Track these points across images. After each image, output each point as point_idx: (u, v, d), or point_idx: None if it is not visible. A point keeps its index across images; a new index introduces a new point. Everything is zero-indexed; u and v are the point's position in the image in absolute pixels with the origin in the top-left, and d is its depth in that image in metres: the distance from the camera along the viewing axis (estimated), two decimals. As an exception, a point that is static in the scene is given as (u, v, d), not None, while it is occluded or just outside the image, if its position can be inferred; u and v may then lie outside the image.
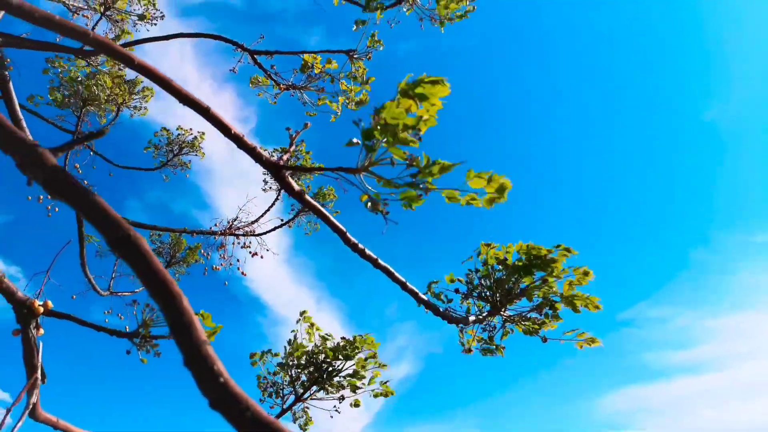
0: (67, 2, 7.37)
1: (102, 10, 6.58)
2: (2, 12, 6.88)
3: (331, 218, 3.00)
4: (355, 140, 2.34)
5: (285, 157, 2.69)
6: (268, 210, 8.50)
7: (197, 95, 2.85)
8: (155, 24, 6.33)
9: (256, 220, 8.30)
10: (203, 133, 9.41)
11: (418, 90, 2.07)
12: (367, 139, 2.26)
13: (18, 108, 5.29)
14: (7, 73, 5.61)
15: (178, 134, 9.27)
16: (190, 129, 9.32)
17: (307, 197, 2.79)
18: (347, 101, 6.03)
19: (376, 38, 5.47)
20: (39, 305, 2.69)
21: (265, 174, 9.57)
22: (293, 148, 2.80)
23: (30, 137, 1.30)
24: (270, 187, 9.58)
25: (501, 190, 2.29)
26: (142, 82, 7.47)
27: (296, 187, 2.71)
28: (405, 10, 5.34)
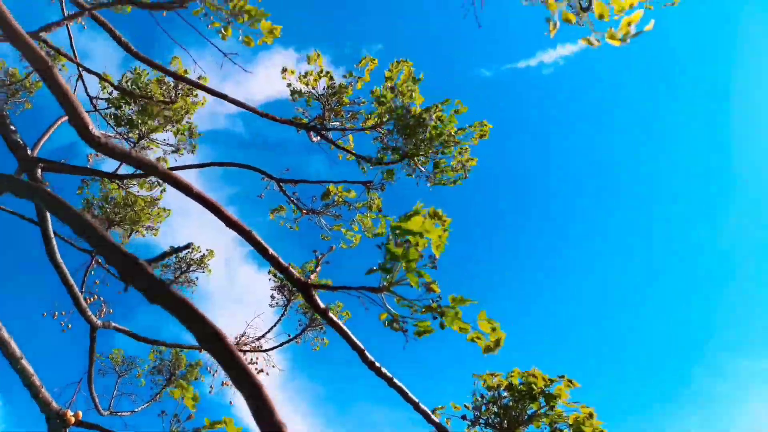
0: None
1: (137, 138, 7.22)
2: (44, 139, 7.51)
3: (351, 336, 3.15)
4: (375, 268, 2.63)
5: (312, 277, 2.92)
6: (276, 324, 8.56)
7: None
8: (183, 154, 6.92)
9: (264, 335, 8.33)
10: (212, 251, 9.47)
11: (408, 226, 2.39)
12: (385, 272, 2.55)
13: (50, 227, 5.65)
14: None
15: (187, 252, 9.14)
16: (199, 246, 9.44)
17: (331, 315, 2.98)
18: (365, 230, 6.45)
19: (392, 175, 6.00)
20: (71, 415, 2.78)
21: (272, 290, 9.73)
22: (319, 268, 3.04)
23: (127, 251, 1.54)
24: (276, 303, 9.69)
25: (497, 343, 2.63)
26: (157, 203, 7.89)
27: (321, 305, 2.91)
28: (404, 170, 5.97)
